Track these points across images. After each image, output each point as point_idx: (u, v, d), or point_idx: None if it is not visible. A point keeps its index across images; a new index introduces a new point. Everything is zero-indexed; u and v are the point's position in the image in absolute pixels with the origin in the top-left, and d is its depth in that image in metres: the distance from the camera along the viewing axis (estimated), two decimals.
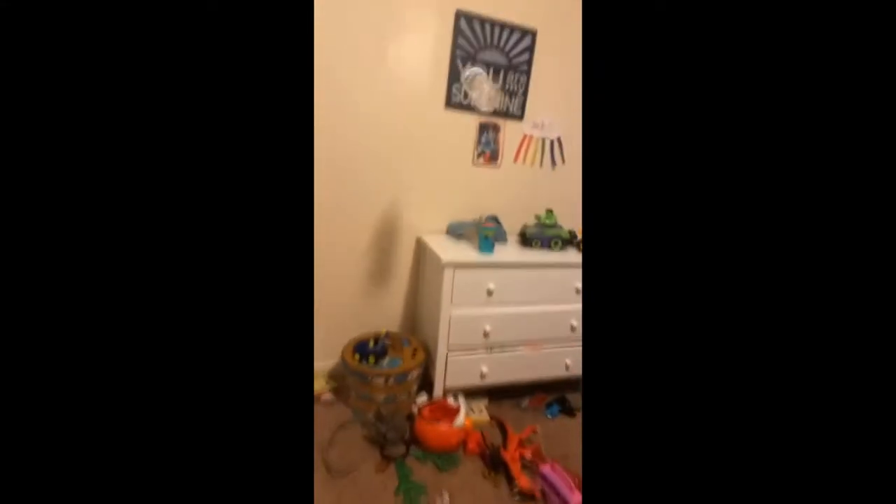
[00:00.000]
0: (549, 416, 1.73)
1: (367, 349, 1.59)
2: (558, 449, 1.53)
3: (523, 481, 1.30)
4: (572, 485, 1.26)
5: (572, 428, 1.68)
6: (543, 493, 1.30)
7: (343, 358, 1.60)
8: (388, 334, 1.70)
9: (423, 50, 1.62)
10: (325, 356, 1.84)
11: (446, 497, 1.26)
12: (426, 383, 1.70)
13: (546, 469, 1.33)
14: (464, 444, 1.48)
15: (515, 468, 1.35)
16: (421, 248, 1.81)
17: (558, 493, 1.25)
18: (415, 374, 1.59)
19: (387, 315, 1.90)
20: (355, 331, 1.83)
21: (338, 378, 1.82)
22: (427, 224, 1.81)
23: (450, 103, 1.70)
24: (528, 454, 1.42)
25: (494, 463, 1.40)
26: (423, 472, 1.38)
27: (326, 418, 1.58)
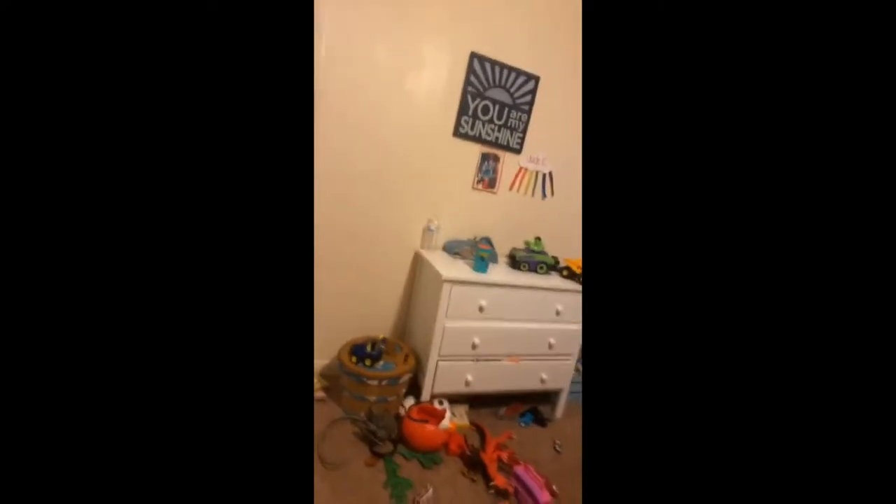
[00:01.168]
0: (522, 425, 1.90)
1: (364, 352, 1.71)
2: (529, 454, 1.70)
3: (499, 480, 1.46)
4: (543, 485, 1.43)
5: (542, 436, 1.86)
6: (516, 492, 1.46)
7: (340, 359, 1.72)
8: (384, 340, 1.82)
9: (438, 82, 1.78)
10: (319, 356, 1.94)
11: (431, 491, 1.40)
12: (413, 387, 1.83)
13: (520, 470, 1.49)
14: (446, 445, 1.62)
15: (492, 468, 1.50)
16: (418, 262, 1.95)
17: (530, 492, 1.41)
18: (406, 378, 1.72)
19: (379, 321, 2.02)
20: (349, 333, 1.94)
21: (329, 377, 1.92)
22: (426, 239, 1.95)
23: (457, 133, 1.87)
24: (504, 456, 1.58)
25: (473, 463, 1.55)
26: (408, 468, 1.51)
27: (318, 414, 1.69)
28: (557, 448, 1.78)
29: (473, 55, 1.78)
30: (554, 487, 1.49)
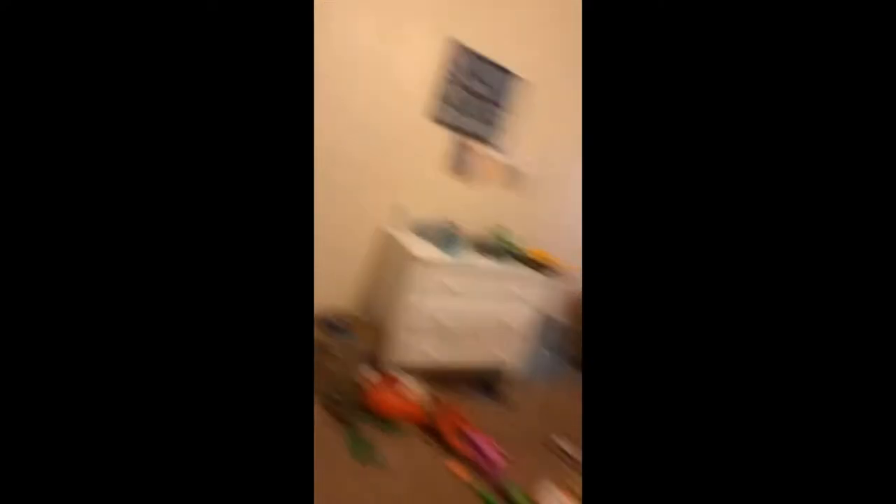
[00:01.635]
0: (476, 398, 2.03)
1: (332, 324, 1.75)
2: (483, 426, 1.82)
3: (455, 443, 1.57)
4: (495, 450, 1.56)
5: (494, 409, 2.00)
6: (471, 455, 1.58)
7: None
8: (349, 313, 1.86)
9: (420, 66, 1.84)
10: None
11: (390, 453, 1.47)
12: (374, 358, 1.89)
13: (473, 435, 1.61)
14: (406, 413, 1.70)
15: (449, 435, 1.61)
16: (387, 239, 2.01)
17: (484, 455, 1.54)
18: (368, 349, 1.78)
19: (344, 292, 2.05)
20: (316, 304, 1.95)
21: None
22: (395, 218, 2.01)
23: (435, 119, 1.94)
24: (459, 424, 1.69)
25: (431, 430, 1.65)
26: (370, 432, 1.58)
27: None
28: (508, 420, 1.93)
29: (458, 45, 1.86)
30: (504, 452, 1.63)
